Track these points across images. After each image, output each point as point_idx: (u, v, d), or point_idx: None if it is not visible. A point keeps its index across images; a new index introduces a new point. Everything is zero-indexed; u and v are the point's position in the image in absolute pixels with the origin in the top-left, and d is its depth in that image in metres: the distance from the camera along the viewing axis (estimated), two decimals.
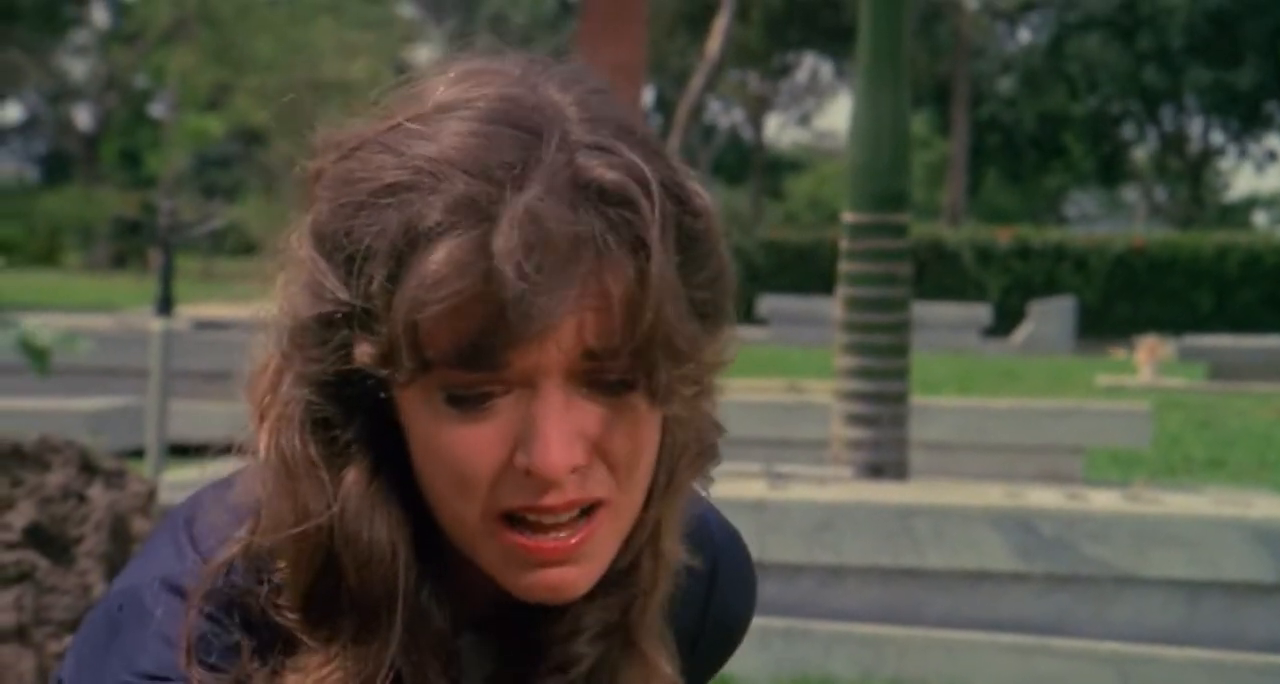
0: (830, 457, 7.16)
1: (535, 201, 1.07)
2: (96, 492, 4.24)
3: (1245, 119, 47.80)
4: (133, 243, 44.12)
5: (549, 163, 1.08)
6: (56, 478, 4.22)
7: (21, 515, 4.12)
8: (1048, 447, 9.25)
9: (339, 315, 1.12)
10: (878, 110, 7.13)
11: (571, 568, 1.14)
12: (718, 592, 1.40)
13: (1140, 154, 51.32)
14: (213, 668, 1.15)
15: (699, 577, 1.35)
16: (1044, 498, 5.84)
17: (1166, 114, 48.79)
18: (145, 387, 8.48)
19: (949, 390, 14.98)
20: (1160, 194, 52.37)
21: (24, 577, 4.06)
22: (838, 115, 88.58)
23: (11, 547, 4.06)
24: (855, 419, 6.98)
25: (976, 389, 15.72)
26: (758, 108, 45.16)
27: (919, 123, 43.35)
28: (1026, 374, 18.65)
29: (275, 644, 1.16)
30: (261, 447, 1.17)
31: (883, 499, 5.76)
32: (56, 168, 53.60)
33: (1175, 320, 28.30)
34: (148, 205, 39.43)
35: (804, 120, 54.97)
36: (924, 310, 19.88)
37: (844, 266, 7.18)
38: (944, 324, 23.22)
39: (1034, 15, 47.30)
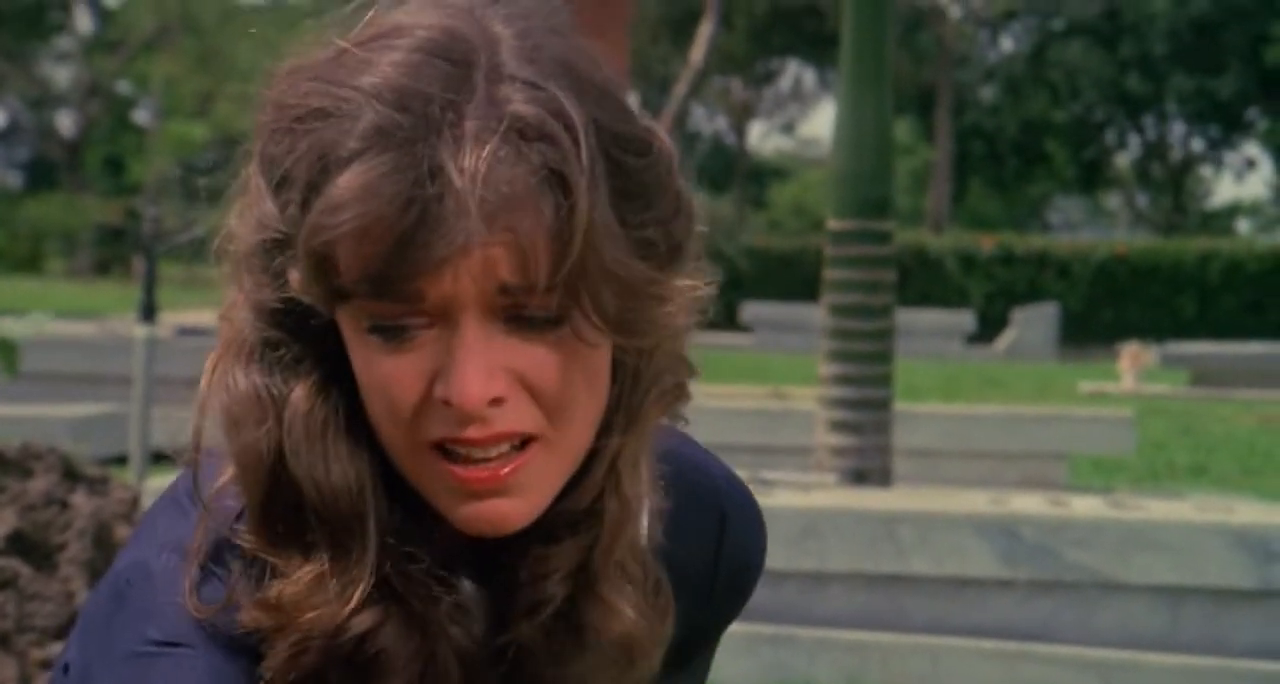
0: (814, 463, 7.16)
1: (446, 133, 1.07)
2: (79, 499, 4.23)
3: (1227, 126, 47.92)
4: (116, 250, 44.06)
5: (469, 96, 1.08)
6: (39, 485, 4.21)
7: (4, 523, 4.11)
8: (1031, 453, 9.26)
9: (274, 242, 1.12)
10: (861, 117, 7.13)
11: (506, 499, 1.13)
12: (728, 539, 1.40)
13: (1122, 161, 51.42)
14: (212, 603, 1.15)
15: (708, 525, 1.35)
16: (1028, 504, 5.84)
17: (1148, 121, 48.90)
18: (128, 393, 8.46)
19: (933, 397, 14.99)
20: (1142, 201, 52.47)
21: (6, 584, 4.04)
22: (821, 122, 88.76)
23: None
24: (839, 426, 6.98)
25: (960, 396, 15.74)
26: (741, 115, 45.20)
27: (902, 130, 43.40)
28: (1010, 381, 18.68)
29: (263, 569, 1.16)
30: (205, 370, 1.19)
31: (867, 506, 5.76)
32: (40, 174, 53.50)
33: (1158, 327, 28.36)
34: (131, 212, 39.41)
35: (788, 127, 54.95)
36: (908, 317, 19.89)
37: (828, 273, 7.18)
38: (928, 331, 23.25)
39: (1016, 23, 47.38)
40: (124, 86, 48.56)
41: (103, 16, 50.70)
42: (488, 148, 1.06)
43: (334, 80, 1.11)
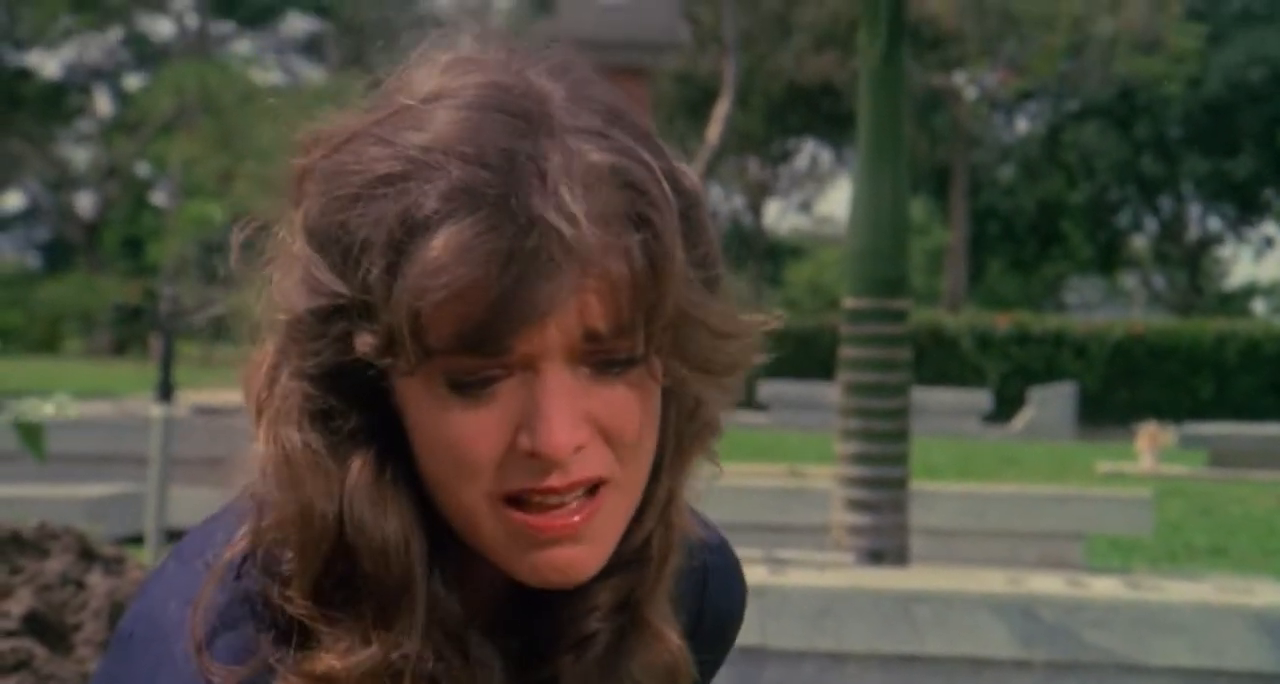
0: (830, 542, 7.14)
1: (532, 186, 1.07)
2: (95, 578, 4.23)
3: (1242, 207, 47.97)
4: (133, 329, 44.16)
5: (543, 148, 1.08)
6: (55, 565, 4.21)
7: (20, 603, 4.11)
8: (1049, 533, 9.23)
9: (335, 308, 1.12)
10: (877, 196, 7.16)
11: (579, 547, 1.13)
12: (710, 588, 1.41)
13: (1139, 241, 51.45)
14: (229, 664, 1.14)
15: (692, 574, 1.35)
16: (1045, 584, 5.82)
17: (1164, 202, 48.97)
18: (145, 473, 8.47)
19: (949, 476, 14.95)
20: (1159, 281, 52.47)
21: (22, 665, 4.04)
22: (837, 201, 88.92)
23: (9, 634, 4.04)
24: (855, 505, 6.96)
25: (977, 475, 15.68)
26: (758, 194, 45.33)
27: (919, 210, 43.46)
28: (1027, 460, 18.62)
29: (292, 635, 1.15)
30: (260, 440, 1.17)
31: (883, 585, 5.73)
32: (58, 255, 53.73)
33: (1175, 407, 28.29)
34: (149, 292, 39.52)
35: (804, 206, 55.06)
36: (924, 396, 19.88)
37: (844, 352, 7.19)
38: (944, 410, 23.20)
39: (1031, 104, 47.55)
40: (142, 168, 48.83)
41: (122, 99, 51.04)
42: (577, 197, 1.07)
43: (399, 143, 1.10)
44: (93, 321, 46.96)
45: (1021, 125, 49.84)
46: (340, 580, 1.15)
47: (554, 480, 1.11)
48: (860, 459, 7.00)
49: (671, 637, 1.24)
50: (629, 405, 1.12)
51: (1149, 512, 9.40)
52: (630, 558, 1.20)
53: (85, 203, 52.49)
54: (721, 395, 1.22)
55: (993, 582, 5.89)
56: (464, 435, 1.11)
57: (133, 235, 50.35)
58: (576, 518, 1.12)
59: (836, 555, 6.89)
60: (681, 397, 1.19)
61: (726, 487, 8.90)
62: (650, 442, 1.16)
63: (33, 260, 55.82)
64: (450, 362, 1.09)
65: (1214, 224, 49.97)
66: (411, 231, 1.07)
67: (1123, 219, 49.76)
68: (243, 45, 53.70)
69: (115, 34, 50.88)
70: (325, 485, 1.14)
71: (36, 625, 4.10)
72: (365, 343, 1.11)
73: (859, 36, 7.37)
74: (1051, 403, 24.81)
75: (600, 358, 1.11)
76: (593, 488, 1.13)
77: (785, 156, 45.77)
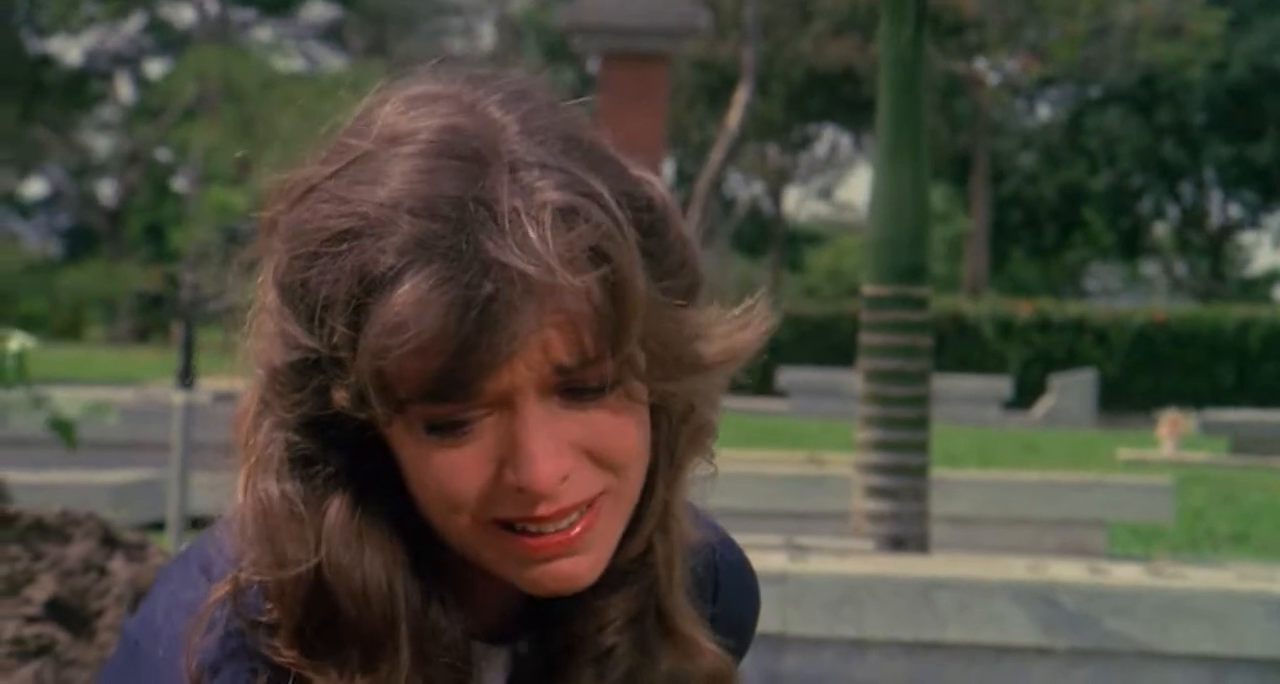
0: (851, 529, 7.13)
1: (483, 233, 1.07)
2: (118, 565, 4.24)
3: (1265, 193, 47.81)
4: (155, 316, 44.26)
5: (494, 191, 1.08)
6: (77, 551, 4.22)
7: (42, 589, 4.12)
8: (1070, 520, 9.22)
9: (310, 361, 1.12)
10: (897, 183, 7.14)
11: (578, 558, 1.14)
12: (722, 590, 1.41)
13: (1160, 228, 51.32)
14: None
15: (704, 575, 1.36)
16: (1066, 572, 5.81)
17: (1186, 188, 48.82)
18: (167, 459, 8.49)
19: (970, 463, 14.93)
20: (1181, 268, 52.33)
21: (44, 650, 4.05)
22: (857, 188, 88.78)
23: (32, 620, 4.05)
24: (876, 492, 6.95)
25: (998, 462, 15.67)
26: (778, 180, 45.29)
27: (939, 197, 43.40)
28: (1048, 447, 18.59)
29: (289, 676, 1.16)
30: (239, 491, 1.18)
31: (904, 572, 5.73)
32: (80, 242, 53.85)
33: (1197, 394, 28.22)
34: (171, 279, 39.60)
35: (824, 193, 55.03)
36: (945, 383, 19.84)
37: (864, 339, 7.18)
38: (965, 397, 23.18)
39: (1053, 91, 47.43)
40: (164, 154, 48.91)
41: (144, 86, 51.14)
42: (530, 238, 1.07)
43: (353, 198, 1.11)
44: (115, 308, 47.09)
45: (1043, 112, 49.73)
46: (323, 625, 1.16)
47: (543, 510, 1.12)
48: (881, 446, 6.99)
49: (706, 643, 1.24)
50: (612, 428, 1.13)
51: (1170, 499, 9.39)
52: (633, 568, 1.21)
53: (107, 190, 52.63)
54: (711, 397, 1.22)
55: (1014, 569, 5.88)
56: (447, 474, 1.12)
57: (155, 222, 50.47)
58: (574, 531, 1.13)
59: (857, 543, 6.88)
60: (672, 405, 1.19)
61: (747, 474, 8.88)
62: (642, 455, 1.16)
63: (55, 248, 55.96)
64: (424, 409, 1.10)
65: (1236, 210, 49.83)
66: (369, 289, 1.08)
67: (1144, 206, 49.63)
68: (264, 32, 53.79)
69: (137, 21, 50.96)
70: (300, 532, 1.15)
71: (59, 611, 4.11)
72: (340, 397, 1.12)
73: (880, 23, 7.36)
74: (1073, 390, 24.76)
75: (573, 387, 1.11)
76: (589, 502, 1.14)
77: (805, 143, 45.72)
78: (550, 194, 1.09)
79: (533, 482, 1.10)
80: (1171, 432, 18.26)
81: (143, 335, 47.00)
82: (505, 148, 1.11)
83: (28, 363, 4.79)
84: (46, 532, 4.26)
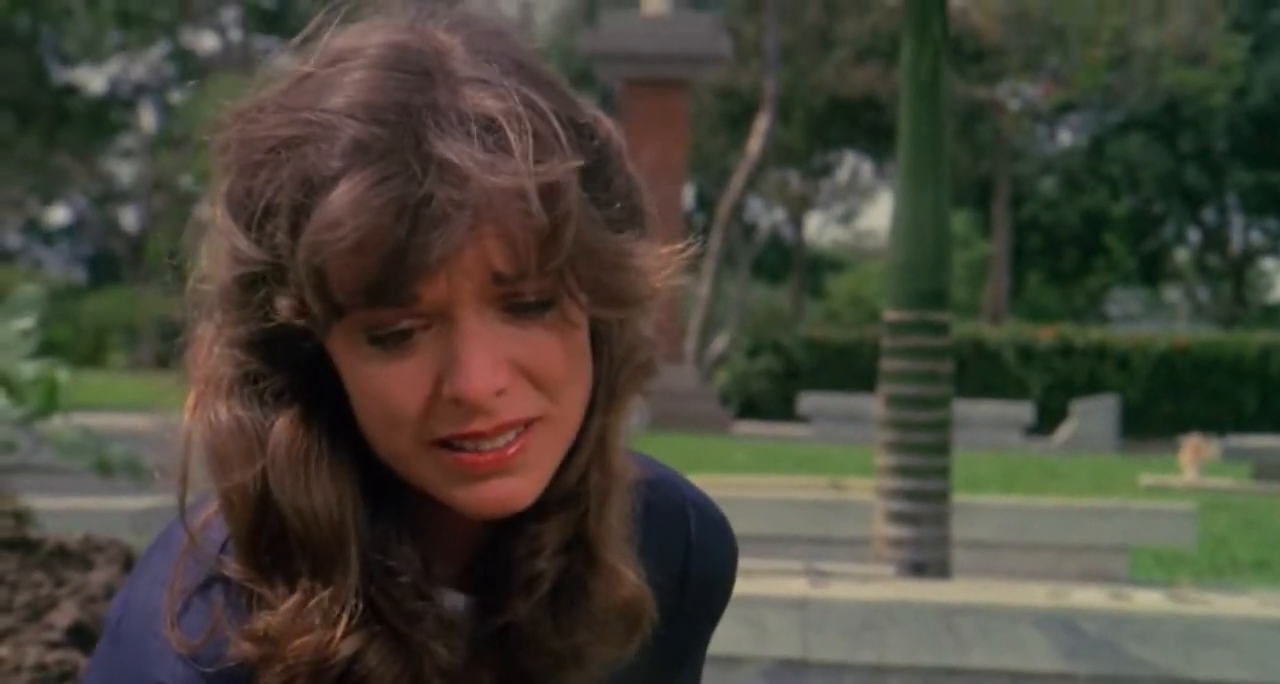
0: (872, 555, 7.13)
1: (424, 138, 1.10)
2: None
3: None
4: (177, 342, 44.34)
5: (437, 101, 1.11)
6: (100, 576, 4.23)
7: (65, 615, 4.13)
8: (1092, 546, 9.19)
9: (255, 275, 1.15)
10: (918, 209, 7.15)
11: (513, 478, 1.16)
12: (696, 547, 1.42)
13: (1182, 254, 51.22)
14: (194, 637, 1.17)
15: (675, 537, 1.39)
16: (1088, 598, 5.80)
17: (1208, 214, 48.75)
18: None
19: (992, 489, 14.90)
20: (1203, 294, 52.22)
21: (67, 676, 4.06)
22: (878, 214, 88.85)
23: (55, 646, 4.06)
24: (897, 517, 6.95)
25: (1019, 488, 15.63)
26: (799, 207, 45.29)
27: (960, 222, 43.37)
28: (1069, 473, 18.55)
29: (248, 602, 1.18)
30: (187, 408, 1.22)
31: (925, 598, 5.72)
32: (103, 269, 54.03)
33: (1219, 420, 28.13)
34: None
35: (845, 219, 55.00)
36: (966, 409, 19.82)
37: (885, 364, 7.18)
38: (986, 423, 23.14)
39: (1074, 116, 47.40)
40: (187, 181, 49.06)
41: (167, 113, 51.32)
42: (469, 145, 1.10)
43: (300, 106, 1.14)
44: (137, 335, 47.22)
45: (1064, 137, 49.70)
46: (273, 541, 1.18)
47: (479, 425, 1.14)
48: (902, 472, 6.99)
49: (628, 574, 1.26)
50: (549, 347, 1.15)
51: (1193, 525, 9.36)
52: (567, 496, 1.22)
53: (130, 217, 52.78)
54: (639, 337, 1.24)
55: (1036, 595, 5.87)
56: (387, 387, 1.14)
57: (177, 248, 50.56)
58: (510, 451, 1.15)
59: (878, 568, 6.87)
60: (614, 339, 1.22)
61: (768, 499, 8.88)
62: (579, 381, 1.19)
63: (78, 275, 56.13)
64: (364, 316, 1.12)
65: (1258, 236, 49.73)
66: (310, 191, 1.11)
67: (1166, 231, 49.55)
68: (286, 60, 53.86)
69: (160, 49, 51.16)
70: (246, 447, 1.18)
71: (81, 637, 4.12)
72: (283, 306, 1.14)
73: (901, 50, 7.37)
74: (1094, 416, 24.71)
75: (512, 301, 1.14)
76: (525, 425, 1.16)
77: (826, 170, 45.72)
78: (491, 103, 1.12)
79: (468, 392, 1.11)
80: (1194, 457, 18.21)
81: (164, 362, 47.07)
82: (450, 65, 1.14)
83: (61, 393, 4.84)
84: (69, 558, 4.28)
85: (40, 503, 6.98)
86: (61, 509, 8.87)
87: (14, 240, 56.30)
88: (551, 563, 1.22)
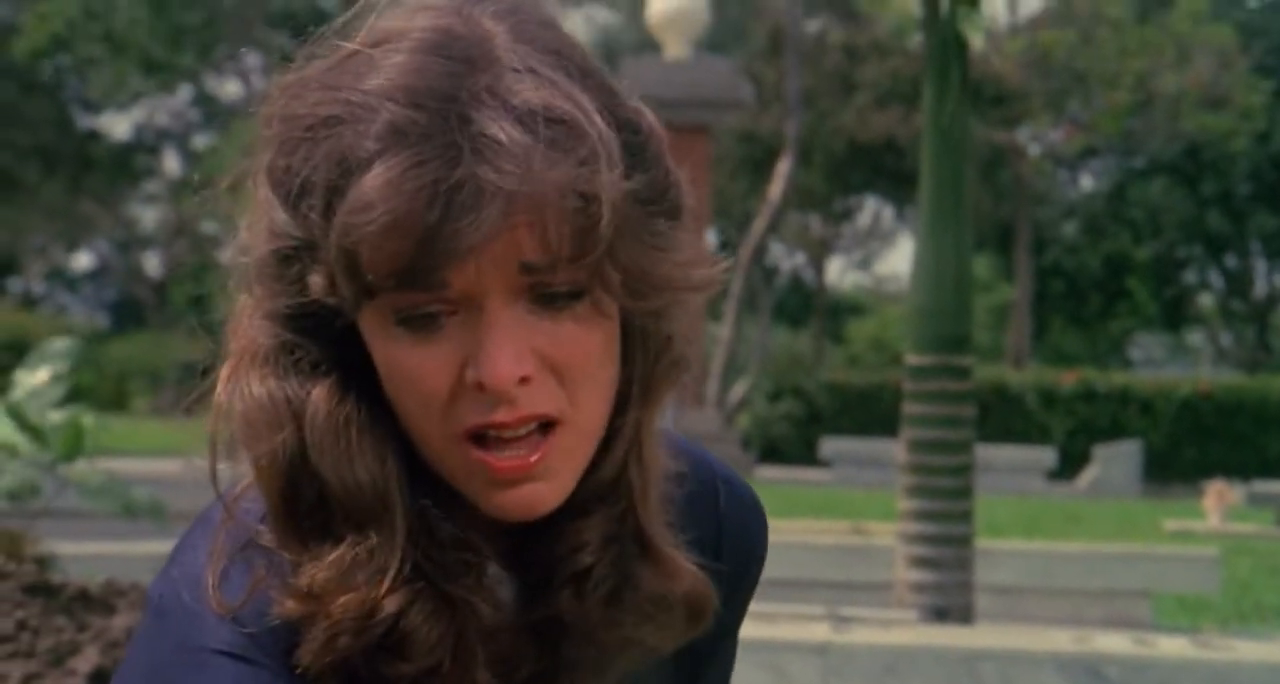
0: (894, 600, 7.11)
1: (462, 125, 1.10)
2: None
3: None
4: (200, 387, 44.44)
5: (477, 89, 1.12)
6: (122, 622, 4.24)
7: (87, 660, 4.13)
8: (1115, 591, 9.16)
9: (291, 249, 1.16)
10: (940, 253, 7.16)
11: (538, 484, 1.16)
12: (727, 522, 1.43)
13: (1205, 298, 51.13)
14: (236, 599, 1.18)
15: (708, 511, 1.39)
16: (1112, 643, 5.78)
17: (1230, 259, 48.67)
18: None
19: (1014, 534, 14.85)
20: (1226, 338, 52.09)
21: None
22: (900, 259, 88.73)
23: None
24: (919, 562, 6.93)
25: (1042, 533, 15.58)
26: (820, 251, 45.32)
27: (982, 267, 43.35)
28: (1092, 518, 18.48)
29: (290, 562, 1.19)
30: (221, 378, 1.22)
31: (948, 643, 5.71)
32: (126, 314, 54.18)
33: (1243, 465, 28.02)
34: (215, 350, 39.84)
35: (866, 263, 55.02)
36: (988, 453, 19.78)
37: (907, 408, 7.17)
38: (1009, 467, 23.08)
39: (1096, 161, 47.40)
40: (209, 226, 49.24)
41: (190, 159, 51.56)
42: (503, 135, 1.10)
43: (342, 86, 1.15)
44: (160, 379, 47.33)
45: (1086, 182, 49.69)
46: (311, 507, 1.18)
47: (502, 415, 1.14)
48: (924, 516, 6.98)
49: (684, 564, 1.26)
50: (577, 339, 1.15)
51: (1217, 570, 9.32)
52: (605, 492, 1.22)
53: (153, 262, 52.97)
54: (686, 328, 1.24)
55: (1059, 640, 5.85)
56: (415, 371, 1.14)
57: (200, 293, 50.75)
58: (532, 458, 1.15)
59: (901, 613, 6.86)
60: (648, 334, 1.22)
61: (790, 543, 8.86)
62: (605, 378, 1.19)
63: (101, 320, 56.29)
64: (393, 298, 1.13)
65: None
66: (345, 172, 1.11)
67: (1189, 276, 49.48)
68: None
69: (184, 95, 51.42)
70: (279, 416, 1.18)
71: (103, 682, 4.12)
72: (315, 283, 1.15)
73: (923, 95, 7.39)
74: (1117, 460, 24.63)
75: (541, 291, 1.14)
76: (545, 427, 1.16)
77: (847, 214, 45.73)
78: (532, 93, 1.12)
79: (491, 377, 1.12)
80: (1217, 502, 18.14)
81: (187, 406, 47.15)
82: (494, 53, 1.15)
83: (87, 438, 4.88)
84: (91, 603, 4.28)
85: (63, 547, 7.00)
86: (84, 554, 8.88)
87: (39, 286, 56.52)
88: (599, 557, 1.22)
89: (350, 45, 1.18)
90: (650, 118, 1.22)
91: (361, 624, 1.16)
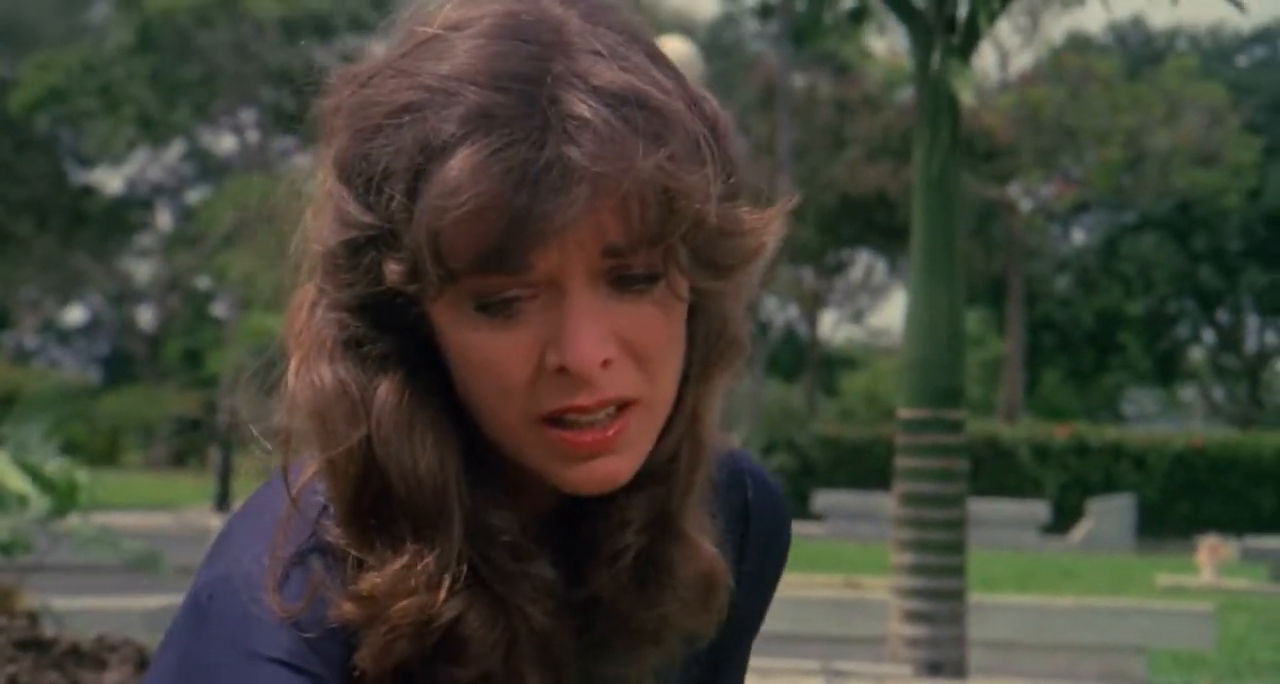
0: (888, 654, 7.09)
1: (547, 107, 1.11)
2: None
3: None
4: (192, 441, 44.38)
5: (558, 71, 1.12)
6: (113, 677, 4.23)
7: None
8: (1109, 646, 9.14)
9: (364, 239, 1.15)
10: (932, 307, 7.18)
11: (615, 457, 1.17)
12: (754, 514, 1.44)
13: (1197, 353, 51.19)
14: (295, 602, 1.16)
15: (737, 502, 1.40)
16: None
17: (1222, 314, 48.78)
18: None
19: (1007, 588, 14.83)
20: (1218, 393, 52.13)
21: None
22: (892, 312, 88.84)
23: None
24: (913, 616, 6.92)
25: (1035, 587, 15.56)
26: (812, 304, 45.38)
27: (974, 321, 43.40)
28: (1086, 573, 18.46)
29: (347, 564, 1.18)
30: (291, 370, 1.20)
31: None
32: (119, 368, 54.13)
33: (1236, 521, 28.02)
34: (209, 404, 39.77)
35: (858, 317, 55.06)
36: (981, 507, 19.76)
37: (900, 462, 7.18)
38: (1002, 521, 23.08)
39: (1087, 216, 47.55)
40: (203, 281, 49.27)
41: (184, 213, 51.62)
42: (592, 115, 1.10)
43: (419, 72, 1.15)
44: (152, 433, 47.25)
45: (1078, 236, 49.81)
46: (375, 504, 1.17)
47: (583, 398, 1.14)
48: (917, 570, 6.97)
49: (706, 545, 1.26)
50: (653, 322, 1.16)
51: (1211, 626, 9.31)
52: (659, 470, 1.22)
53: (146, 316, 52.96)
54: (735, 312, 1.25)
55: None
56: (494, 357, 1.14)
57: (193, 347, 50.75)
58: (610, 432, 1.15)
59: (895, 667, 6.84)
60: (709, 315, 1.22)
61: (783, 597, 8.82)
62: (675, 359, 1.19)
63: (94, 374, 56.24)
64: (475, 283, 1.12)
65: (1272, 336, 49.72)
66: (430, 156, 1.11)
67: (1181, 331, 49.57)
68: (304, 160, 54.21)
69: (177, 149, 51.53)
70: (350, 410, 1.17)
71: None
72: (393, 271, 1.14)
73: (914, 150, 7.42)
74: (1110, 515, 24.63)
75: (621, 274, 1.14)
76: (621, 406, 1.16)
77: (839, 267, 45.84)
78: (610, 76, 1.13)
79: (575, 362, 1.12)
80: (1211, 558, 18.13)
81: (180, 460, 47.10)
82: (568, 36, 1.15)
83: (81, 493, 4.88)
84: (83, 657, 4.27)
85: (56, 602, 6.98)
86: (77, 609, 8.85)
87: (31, 340, 56.48)
88: (637, 538, 1.22)
89: (420, 29, 1.18)
90: (714, 102, 1.22)
91: (420, 629, 1.16)
